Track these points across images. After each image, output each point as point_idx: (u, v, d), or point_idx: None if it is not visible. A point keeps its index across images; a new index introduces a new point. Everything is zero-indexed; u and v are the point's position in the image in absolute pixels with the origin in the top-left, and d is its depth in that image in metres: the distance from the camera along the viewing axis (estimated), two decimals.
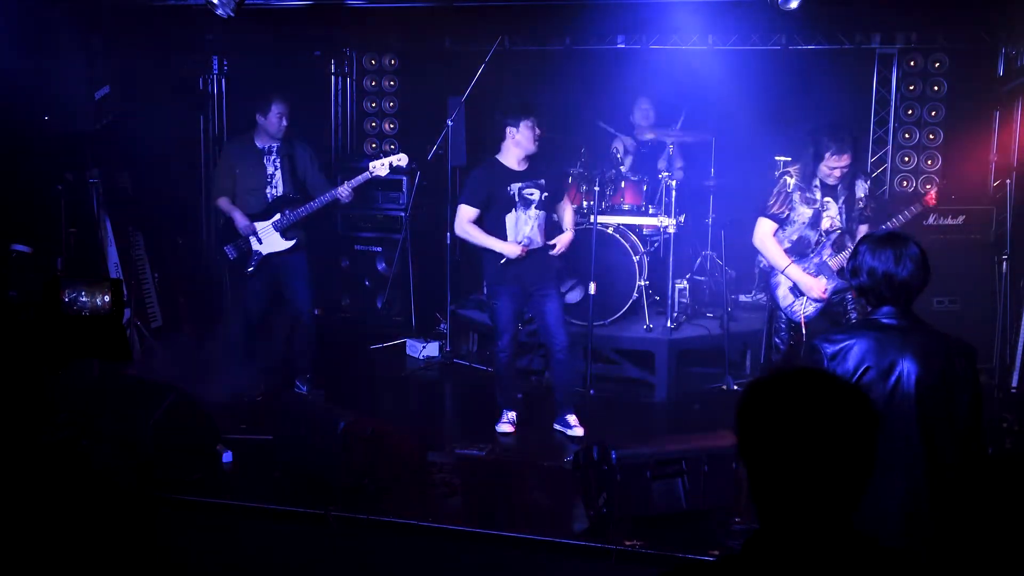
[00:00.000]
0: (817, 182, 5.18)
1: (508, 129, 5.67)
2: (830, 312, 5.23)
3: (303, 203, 6.28)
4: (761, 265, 5.62)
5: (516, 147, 5.69)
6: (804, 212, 5.21)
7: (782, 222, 5.26)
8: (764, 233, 5.29)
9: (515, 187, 5.70)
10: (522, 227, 5.73)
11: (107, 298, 2.29)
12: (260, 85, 6.89)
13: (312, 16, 7.15)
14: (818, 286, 5.15)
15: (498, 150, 5.80)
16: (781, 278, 5.26)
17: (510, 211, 5.71)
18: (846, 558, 1.57)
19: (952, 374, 2.90)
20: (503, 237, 5.70)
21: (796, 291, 5.25)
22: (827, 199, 5.19)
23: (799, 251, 5.27)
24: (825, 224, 5.21)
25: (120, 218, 7.15)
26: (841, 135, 5.05)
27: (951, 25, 7.67)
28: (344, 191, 6.20)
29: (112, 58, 6.83)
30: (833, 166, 5.07)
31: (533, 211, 5.77)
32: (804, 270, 5.20)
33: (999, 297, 6.50)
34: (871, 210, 5.31)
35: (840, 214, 5.21)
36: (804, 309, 5.20)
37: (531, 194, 5.78)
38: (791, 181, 5.22)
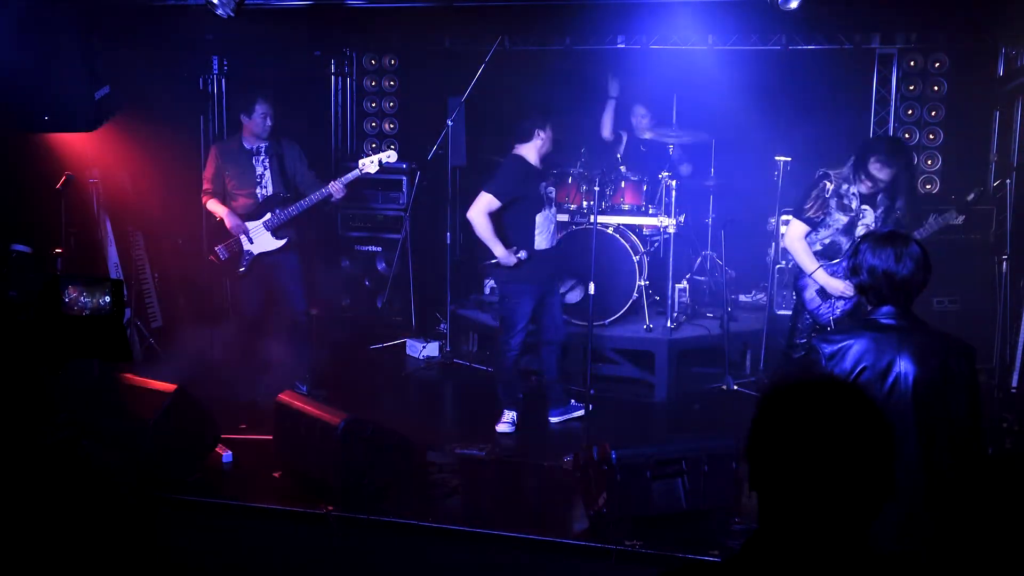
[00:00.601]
0: (855, 190, 5.12)
1: (537, 131, 5.78)
2: (858, 315, 5.20)
3: (293, 202, 6.28)
4: (787, 266, 5.60)
5: (542, 148, 5.81)
6: (839, 219, 5.17)
7: (815, 225, 5.22)
8: (795, 235, 5.24)
9: (543, 186, 5.82)
10: (548, 225, 5.87)
11: (107, 298, 2.29)
12: (260, 85, 6.89)
13: (312, 16, 7.14)
14: (846, 285, 5.13)
15: (511, 147, 5.87)
16: (810, 280, 5.24)
17: (540, 210, 5.79)
18: (844, 564, 1.56)
19: (950, 374, 2.90)
20: (531, 235, 5.79)
21: (824, 294, 5.23)
22: (865, 207, 5.15)
23: (829, 255, 5.25)
24: (859, 232, 5.18)
25: (120, 218, 7.15)
26: (893, 148, 4.98)
27: (951, 25, 7.67)
28: (336, 187, 6.20)
29: (112, 58, 6.82)
30: (872, 174, 4.98)
31: (553, 209, 5.98)
32: (832, 274, 5.18)
33: (999, 297, 6.49)
34: (909, 217, 5.28)
35: (876, 221, 5.17)
36: (832, 311, 5.18)
37: (551, 193, 5.97)
38: (830, 186, 5.14)
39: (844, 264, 5.17)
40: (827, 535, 1.57)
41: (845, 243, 5.20)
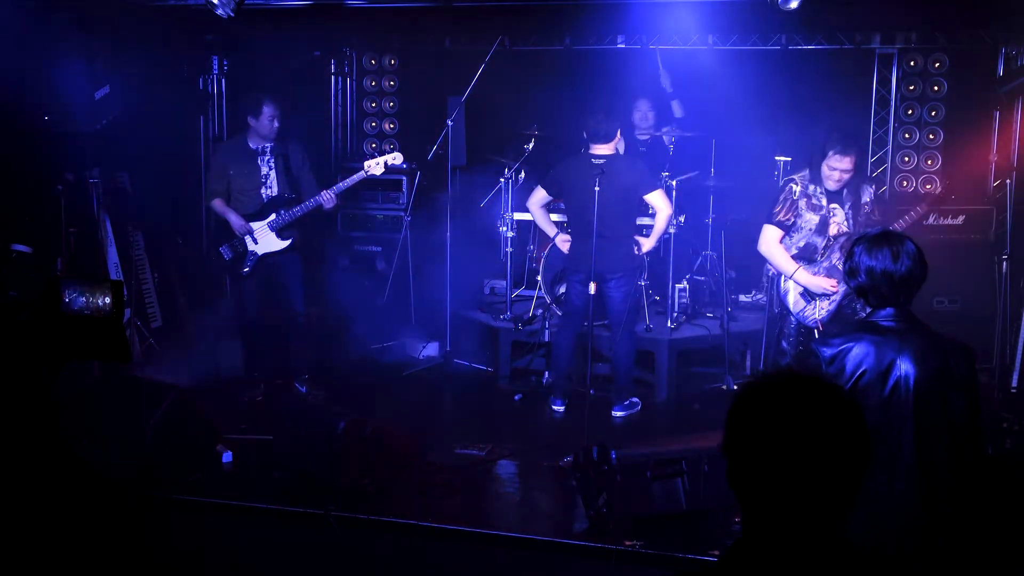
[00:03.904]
0: (822, 189, 5.14)
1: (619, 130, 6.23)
2: (842, 316, 5.20)
3: (298, 203, 6.28)
4: (769, 273, 5.61)
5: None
6: (811, 219, 5.18)
7: (788, 229, 5.23)
8: (770, 240, 5.26)
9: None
10: None
11: (107, 299, 2.29)
12: (260, 85, 6.89)
13: (312, 16, 7.15)
14: (828, 281, 5.13)
15: (588, 148, 6.21)
16: (790, 284, 5.24)
17: None
18: (829, 566, 1.56)
19: (949, 376, 2.89)
20: None
21: (807, 296, 5.22)
22: (833, 205, 5.16)
23: (806, 257, 5.24)
24: (832, 231, 5.18)
25: (120, 218, 7.15)
26: (847, 138, 5.02)
27: (951, 25, 7.67)
28: (327, 197, 6.20)
29: (112, 58, 6.83)
30: (834, 167, 5.01)
31: None
32: (814, 275, 5.19)
33: (999, 297, 6.50)
34: (879, 213, 5.28)
35: (848, 219, 5.18)
36: (817, 313, 5.17)
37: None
38: (796, 188, 5.18)
39: (824, 265, 5.18)
40: (801, 530, 1.56)
41: (820, 243, 5.21)
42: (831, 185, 5.11)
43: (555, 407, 6.32)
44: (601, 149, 6.06)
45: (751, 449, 1.59)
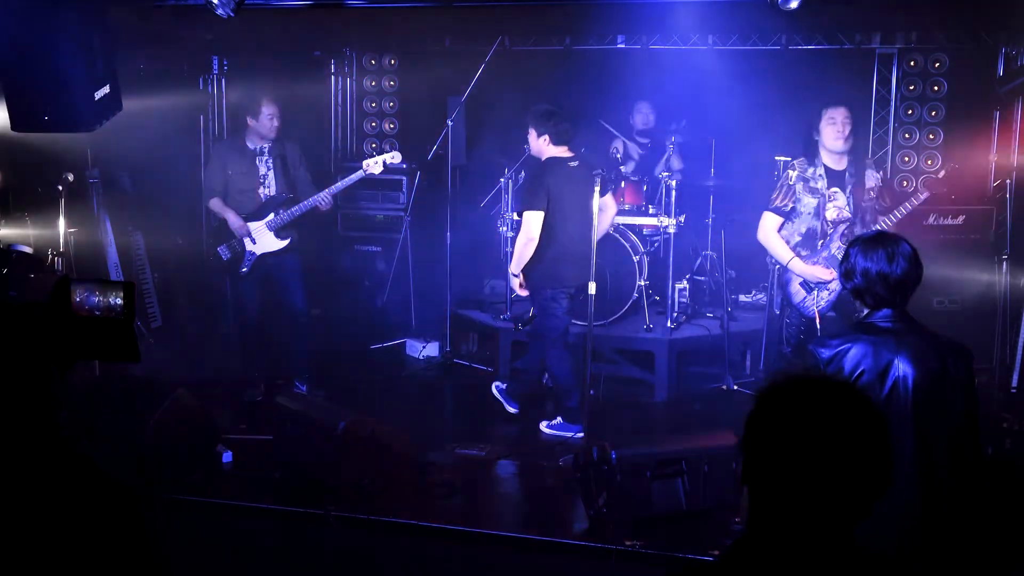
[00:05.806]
0: (822, 171, 5.15)
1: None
2: (842, 306, 5.21)
3: (296, 203, 6.28)
4: (775, 263, 5.63)
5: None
6: (809, 202, 5.19)
7: (787, 215, 5.25)
8: (768, 228, 5.27)
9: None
10: None
11: (119, 300, 2.29)
12: (260, 85, 6.89)
13: (312, 16, 7.15)
14: (824, 270, 5.13)
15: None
16: (792, 273, 5.26)
17: None
18: (832, 566, 1.56)
19: (948, 376, 2.89)
20: None
21: (807, 286, 5.23)
22: (833, 189, 5.16)
23: (810, 244, 5.25)
24: (831, 214, 5.17)
25: (120, 218, 7.15)
26: (832, 93, 5.06)
27: (951, 25, 7.67)
28: (322, 199, 6.19)
29: (112, 58, 6.82)
30: (833, 117, 5.03)
31: None
32: (814, 264, 5.19)
33: (999, 297, 6.49)
34: (889, 199, 5.28)
35: (848, 204, 5.18)
36: (816, 304, 5.18)
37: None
38: (793, 173, 5.21)
39: (823, 255, 5.18)
40: (815, 533, 1.56)
41: (820, 227, 5.23)
42: (839, 144, 5.09)
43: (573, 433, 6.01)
44: (568, 152, 5.75)
45: (776, 450, 1.58)
